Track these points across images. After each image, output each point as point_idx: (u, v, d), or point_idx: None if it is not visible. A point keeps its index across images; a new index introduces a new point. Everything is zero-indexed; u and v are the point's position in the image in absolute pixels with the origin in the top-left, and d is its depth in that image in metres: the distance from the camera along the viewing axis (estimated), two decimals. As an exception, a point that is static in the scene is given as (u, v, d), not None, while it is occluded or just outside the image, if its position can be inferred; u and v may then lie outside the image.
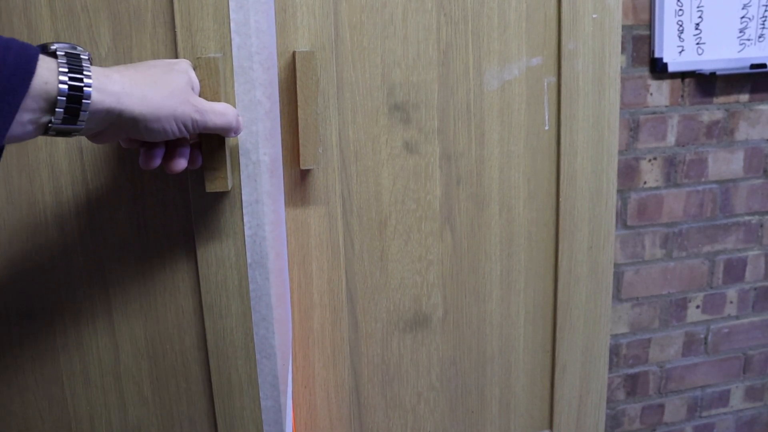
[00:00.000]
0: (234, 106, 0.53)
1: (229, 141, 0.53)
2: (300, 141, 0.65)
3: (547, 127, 0.86)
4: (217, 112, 0.48)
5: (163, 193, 0.56)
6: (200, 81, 0.50)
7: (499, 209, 0.84)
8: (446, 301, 0.82)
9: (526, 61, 0.82)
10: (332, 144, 0.71)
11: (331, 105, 0.70)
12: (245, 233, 0.56)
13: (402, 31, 0.73)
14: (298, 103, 0.63)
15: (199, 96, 0.50)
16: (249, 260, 0.56)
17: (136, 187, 0.56)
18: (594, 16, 0.87)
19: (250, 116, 0.54)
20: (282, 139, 0.68)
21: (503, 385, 0.88)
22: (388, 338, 0.79)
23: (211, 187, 0.51)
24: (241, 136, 0.54)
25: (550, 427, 0.92)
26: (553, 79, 0.85)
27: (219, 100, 0.50)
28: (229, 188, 0.52)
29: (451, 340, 0.83)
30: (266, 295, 0.57)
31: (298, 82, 0.63)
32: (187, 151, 0.50)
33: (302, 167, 0.66)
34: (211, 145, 0.51)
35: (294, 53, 0.65)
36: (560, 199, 0.86)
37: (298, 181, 0.69)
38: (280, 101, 0.66)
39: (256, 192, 0.55)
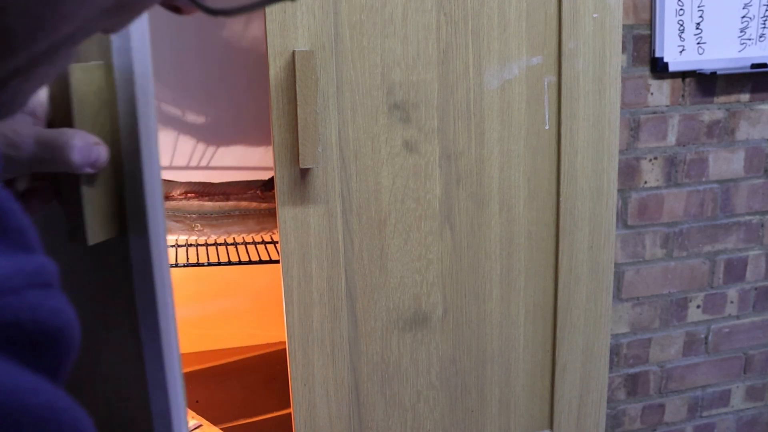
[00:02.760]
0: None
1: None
2: (299, 140, 0.65)
3: (547, 127, 0.85)
4: (44, 144, 0.32)
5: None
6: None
7: (499, 208, 0.84)
8: (446, 300, 0.82)
9: (527, 60, 0.82)
10: (332, 143, 0.71)
11: (331, 104, 0.71)
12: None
13: (402, 30, 0.73)
14: (297, 102, 0.63)
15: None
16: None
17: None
18: (594, 15, 0.87)
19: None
20: (281, 138, 0.68)
21: (503, 384, 0.88)
22: (388, 337, 0.79)
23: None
24: None
25: (551, 426, 0.92)
26: (554, 79, 0.85)
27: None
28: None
29: (450, 339, 0.83)
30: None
31: (298, 82, 0.63)
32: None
33: (301, 166, 0.66)
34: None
35: (294, 52, 0.65)
36: (560, 199, 0.86)
37: (298, 180, 0.69)
38: (278, 100, 0.66)
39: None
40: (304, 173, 0.69)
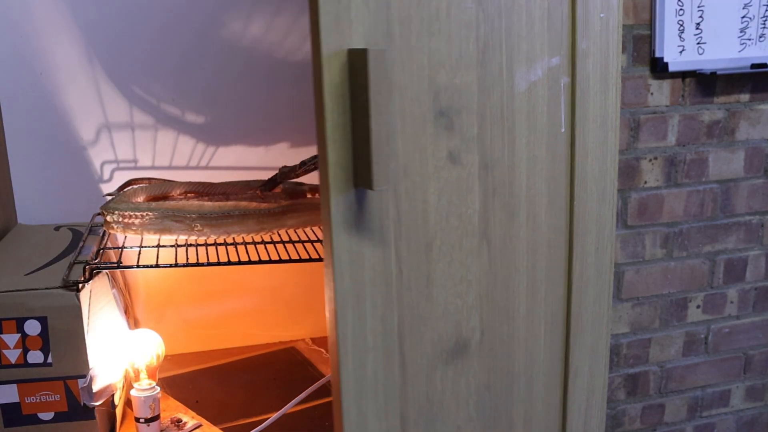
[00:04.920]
0: None
1: None
2: (372, 158, 0.54)
3: (563, 129, 0.82)
4: None
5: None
6: None
7: (526, 218, 0.79)
8: (482, 322, 0.76)
9: (548, 60, 0.77)
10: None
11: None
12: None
13: (446, 27, 0.65)
14: (371, 113, 0.52)
15: None
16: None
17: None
18: (602, 15, 0.84)
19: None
20: (338, 156, 0.56)
21: (526, 402, 0.85)
22: (432, 373, 0.71)
23: None
24: None
25: (562, 434, 0.90)
26: (568, 80, 0.81)
27: None
28: None
29: (486, 365, 0.78)
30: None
31: (371, 86, 0.52)
32: None
33: (375, 188, 0.55)
34: None
35: (366, 51, 0.53)
36: (574, 203, 0.83)
37: (353, 205, 0.58)
38: (333, 110, 0.54)
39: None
40: (360, 197, 0.58)
